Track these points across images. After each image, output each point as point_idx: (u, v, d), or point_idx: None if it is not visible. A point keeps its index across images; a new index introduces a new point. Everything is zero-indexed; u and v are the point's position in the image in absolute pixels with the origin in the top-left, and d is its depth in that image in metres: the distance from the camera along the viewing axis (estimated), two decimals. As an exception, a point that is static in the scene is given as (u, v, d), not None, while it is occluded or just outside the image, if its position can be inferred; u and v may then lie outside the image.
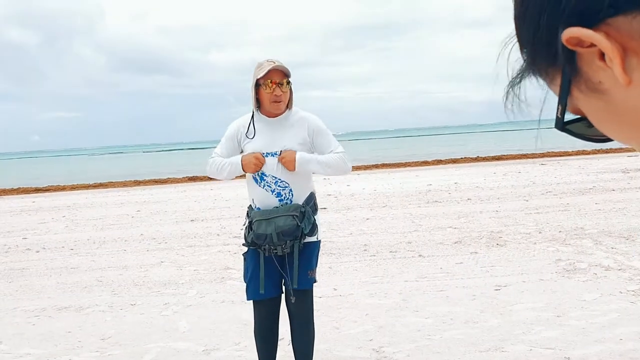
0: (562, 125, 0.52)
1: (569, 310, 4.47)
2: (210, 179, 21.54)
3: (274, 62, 3.02)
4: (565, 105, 0.50)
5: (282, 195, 3.06)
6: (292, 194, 3.07)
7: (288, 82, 3.06)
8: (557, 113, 0.51)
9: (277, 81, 3.01)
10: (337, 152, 3.13)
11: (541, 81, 0.52)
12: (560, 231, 7.48)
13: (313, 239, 3.10)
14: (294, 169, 3.02)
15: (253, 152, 3.08)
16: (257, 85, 3.06)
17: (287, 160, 3.03)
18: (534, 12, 0.47)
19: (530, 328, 4.15)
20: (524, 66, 0.52)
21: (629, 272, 5.41)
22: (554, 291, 4.98)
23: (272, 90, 3.01)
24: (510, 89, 0.54)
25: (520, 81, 0.53)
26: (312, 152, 3.15)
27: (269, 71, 3.02)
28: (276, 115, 3.13)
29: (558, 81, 0.50)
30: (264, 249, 3.04)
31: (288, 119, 3.13)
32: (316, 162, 3.06)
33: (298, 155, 3.02)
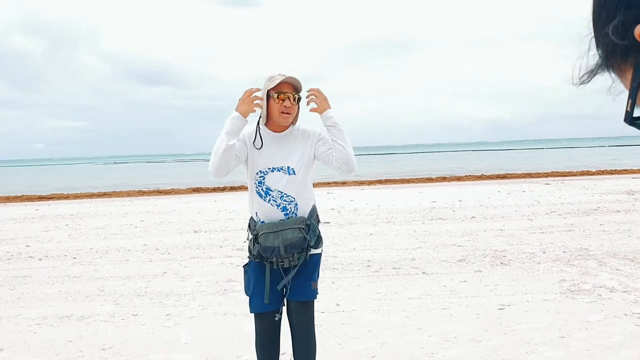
0: (631, 119, 0.52)
1: (573, 331, 4.44)
2: (214, 190, 21.37)
3: (286, 75, 3.04)
4: (635, 99, 0.51)
5: (287, 210, 3.07)
6: (297, 208, 3.08)
7: (298, 98, 3.08)
8: (626, 107, 0.51)
9: (288, 93, 3.03)
10: None
11: (614, 76, 0.53)
12: (564, 251, 7.45)
13: (318, 250, 3.12)
14: (329, 107, 3.12)
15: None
16: (268, 97, 3.07)
17: (325, 99, 3.13)
18: (610, 8, 0.48)
19: (534, 348, 4.12)
20: (599, 61, 0.53)
21: (634, 294, 5.38)
22: (558, 312, 4.95)
23: (282, 101, 3.03)
24: (586, 80, 0.55)
25: (595, 74, 0.54)
26: (312, 167, 3.18)
27: (280, 83, 3.04)
28: (281, 130, 3.13)
29: (629, 76, 0.50)
30: (271, 261, 3.05)
31: (292, 134, 3.14)
32: (342, 124, 3.12)
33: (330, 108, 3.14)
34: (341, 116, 3.14)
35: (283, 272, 3.09)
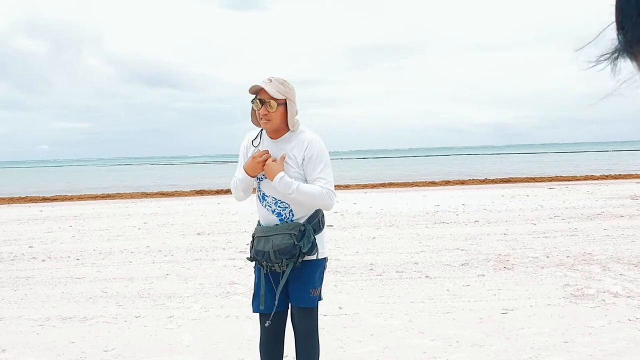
0: None
1: (577, 337, 4.42)
2: (217, 192, 21.45)
3: (264, 81, 3.01)
4: None
5: (282, 215, 3.07)
6: (293, 214, 3.06)
7: (276, 104, 3.00)
8: None
9: (257, 100, 3.02)
10: (323, 186, 3.00)
11: (635, 64, 0.51)
12: (568, 256, 7.43)
13: (313, 257, 3.06)
14: (272, 180, 3.00)
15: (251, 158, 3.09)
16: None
17: (269, 170, 3.01)
18: None
19: (537, 353, 4.11)
20: (618, 47, 0.51)
21: (638, 299, 5.36)
22: (562, 316, 4.93)
23: (258, 108, 3.03)
24: (603, 62, 0.53)
25: (615, 59, 0.52)
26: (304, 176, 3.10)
27: (255, 91, 3.04)
28: (278, 136, 3.12)
29: None
30: (263, 265, 3.07)
31: (290, 142, 3.10)
32: (297, 190, 2.96)
33: (280, 175, 2.97)
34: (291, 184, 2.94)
35: (273, 277, 3.09)
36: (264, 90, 3.01)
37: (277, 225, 3.05)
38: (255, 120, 3.14)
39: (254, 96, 3.06)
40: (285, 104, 3.04)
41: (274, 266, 3.03)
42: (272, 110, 3.00)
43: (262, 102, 3.00)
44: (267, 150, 3.07)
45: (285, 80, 3.06)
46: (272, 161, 3.04)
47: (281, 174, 2.97)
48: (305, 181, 3.07)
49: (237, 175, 3.18)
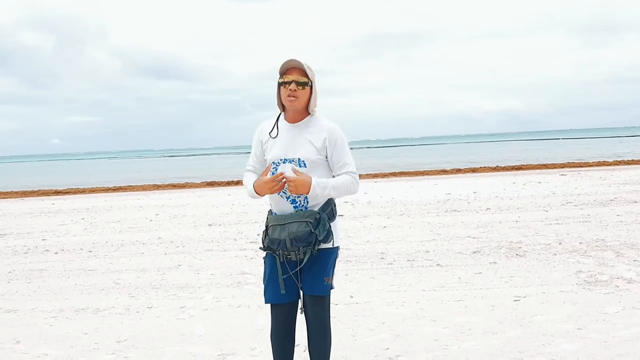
0: None
1: (590, 323, 4.38)
2: (228, 184, 21.56)
3: (294, 59, 3.02)
4: None
5: (296, 202, 3.06)
6: (307, 201, 3.05)
7: (306, 82, 3.02)
8: None
9: (291, 78, 3.01)
10: (350, 173, 3.06)
11: None
12: (580, 242, 7.37)
13: (328, 245, 3.07)
14: (308, 193, 2.98)
15: (261, 178, 3.09)
16: (279, 86, 3.08)
17: (299, 185, 2.96)
18: None
19: (550, 340, 4.08)
20: None
21: (652, 285, 5.31)
22: (575, 303, 4.90)
23: (288, 85, 3.02)
24: None
25: None
26: (326, 161, 3.09)
27: (286, 68, 3.03)
28: (297, 120, 3.10)
29: None
30: (278, 253, 3.05)
31: (308, 126, 3.09)
32: (332, 188, 3.01)
33: (314, 182, 2.96)
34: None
35: (290, 265, 3.07)
36: (297, 68, 3.03)
37: (291, 213, 3.03)
38: (280, 102, 3.12)
39: (280, 77, 3.05)
40: (311, 86, 3.06)
41: (289, 254, 3.01)
42: (301, 88, 3.02)
43: (297, 81, 3.00)
44: (282, 173, 3.02)
45: (310, 64, 3.09)
46: (294, 181, 2.98)
47: (313, 180, 2.96)
48: (327, 165, 3.09)
49: (247, 184, 3.20)
